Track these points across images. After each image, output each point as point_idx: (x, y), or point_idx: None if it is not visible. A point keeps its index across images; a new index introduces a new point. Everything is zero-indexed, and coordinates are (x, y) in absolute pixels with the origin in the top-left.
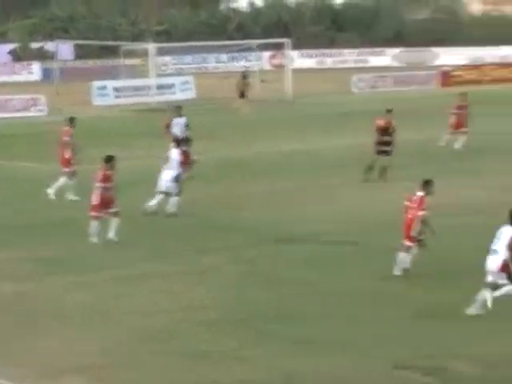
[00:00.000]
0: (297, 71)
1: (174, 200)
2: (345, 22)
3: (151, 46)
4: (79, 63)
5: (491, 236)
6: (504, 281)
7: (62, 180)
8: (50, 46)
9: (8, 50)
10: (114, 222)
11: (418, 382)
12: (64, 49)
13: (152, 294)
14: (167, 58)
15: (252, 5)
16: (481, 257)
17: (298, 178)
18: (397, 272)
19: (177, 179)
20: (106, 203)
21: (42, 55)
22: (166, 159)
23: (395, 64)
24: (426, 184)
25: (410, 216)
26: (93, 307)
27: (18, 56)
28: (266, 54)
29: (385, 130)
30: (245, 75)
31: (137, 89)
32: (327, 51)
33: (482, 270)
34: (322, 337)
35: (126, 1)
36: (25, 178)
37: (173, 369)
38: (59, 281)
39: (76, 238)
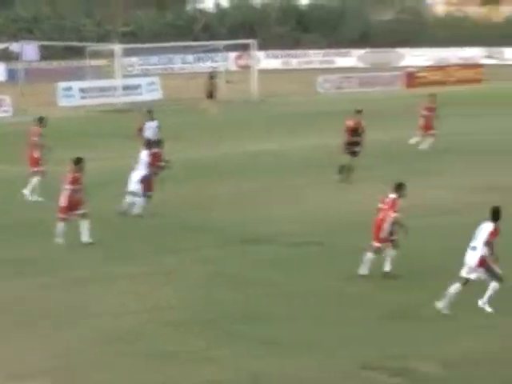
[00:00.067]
0: (263, 72)
1: (139, 201)
2: (310, 22)
3: (117, 47)
4: (44, 64)
5: (457, 237)
6: (481, 275)
7: (35, 180)
8: (14, 46)
9: None
10: (84, 225)
11: (385, 383)
12: (29, 49)
13: (119, 295)
14: (133, 59)
15: (218, 6)
16: (447, 258)
17: (263, 179)
18: (362, 272)
19: (143, 180)
20: (74, 205)
21: (7, 56)
22: (137, 160)
23: (360, 65)
24: (399, 187)
25: (380, 217)
26: (59, 308)
27: None
28: (232, 55)
29: (354, 131)
30: (212, 76)
31: (103, 90)
32: (293, 52)
33: (448, 271)
34: (288, 337)
35: (91, 1)
36: None
37: (139, 370)
38: (26, 282)
39: (44, 239)
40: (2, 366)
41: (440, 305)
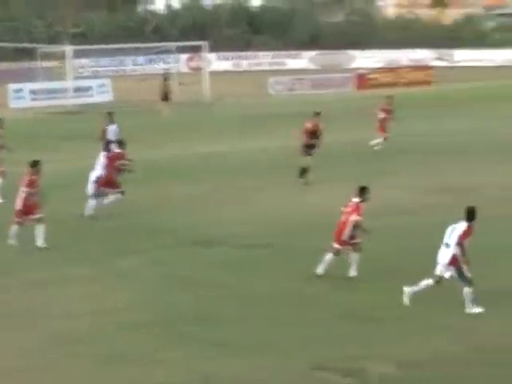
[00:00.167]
0: (214, 74)
1: (91, 203)
2: (261, 24)
3: (68, 49)
4: None
5: (412, 237)
6: (453, 273)
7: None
8: None
9: None
10: (40, 229)
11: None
12: None
13: (72, 297)
14: (84, 61)
15: (169, 7)
16: (402, 258)
17: (214, 181)
18: (319, 271)
19: (97, 181)
20: (29, 209)
21: None
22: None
23: (311, 67)
24: (362, 191)
25: (342, 220)
26: (13, 310)
27: None
28: (184, 57)
29: (313, 133)
30: (166, 78)
31: (54, 91)
32: (244, 54)
33: (404, 272)
34: (240, 339)
35: (43, 3)
36: None
37: (91, 372)
38: None
39: (1, 241)
40: None
41: (407, 290)
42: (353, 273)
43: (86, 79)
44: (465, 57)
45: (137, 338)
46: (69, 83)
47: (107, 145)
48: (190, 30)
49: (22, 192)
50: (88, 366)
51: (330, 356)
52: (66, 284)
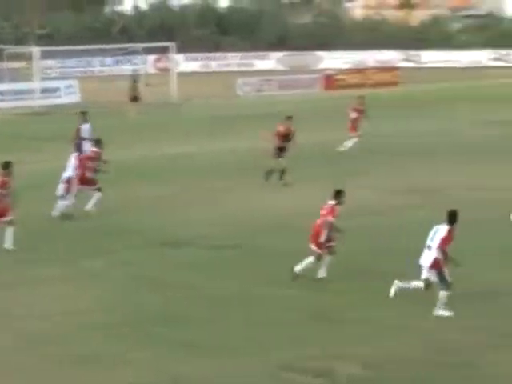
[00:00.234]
0: (182, 75)
1: (61, 203)
2: (229, 25)
3: (35, 50)
4: None
5: (381, 238)
6: (433, 277)
7: None
8: None
9: None
10: (9, 232)
11: None
12: None
13: (41, 299)
14: (51, 62)
15: (136, 8)
16: (374, 259)
17: (182, 182)
18: (297, 269)
19: (67, 181)
20: (1, 211)
21: None
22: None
23: (279, 68)
24: (338, 194)
25: (318, 223)
26: None
27: None
28: (151, 58)
29: (285, 136)
30: (135, 79)
31: (21, 92)
32: (212, 55)
33: (374, 273)
34: (208, 340)
35: (9, 5)
36: None
37: (59, 373)
38: None
39: None
40: None
41: (397, 283)
42: (322, 274)
43: (53, 80)
44: (431, 58)
45: (106, 339)
46: (36, 84)
47: (79, 145)
48: (158, 30)
49: None
50: (56, 368)
51: (297, 356)
52: (36, 284)
